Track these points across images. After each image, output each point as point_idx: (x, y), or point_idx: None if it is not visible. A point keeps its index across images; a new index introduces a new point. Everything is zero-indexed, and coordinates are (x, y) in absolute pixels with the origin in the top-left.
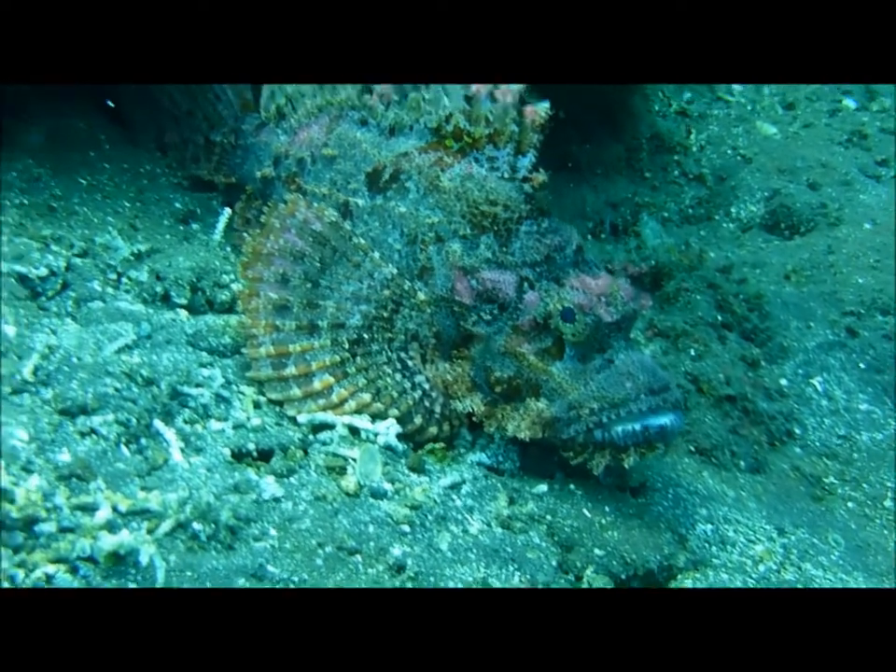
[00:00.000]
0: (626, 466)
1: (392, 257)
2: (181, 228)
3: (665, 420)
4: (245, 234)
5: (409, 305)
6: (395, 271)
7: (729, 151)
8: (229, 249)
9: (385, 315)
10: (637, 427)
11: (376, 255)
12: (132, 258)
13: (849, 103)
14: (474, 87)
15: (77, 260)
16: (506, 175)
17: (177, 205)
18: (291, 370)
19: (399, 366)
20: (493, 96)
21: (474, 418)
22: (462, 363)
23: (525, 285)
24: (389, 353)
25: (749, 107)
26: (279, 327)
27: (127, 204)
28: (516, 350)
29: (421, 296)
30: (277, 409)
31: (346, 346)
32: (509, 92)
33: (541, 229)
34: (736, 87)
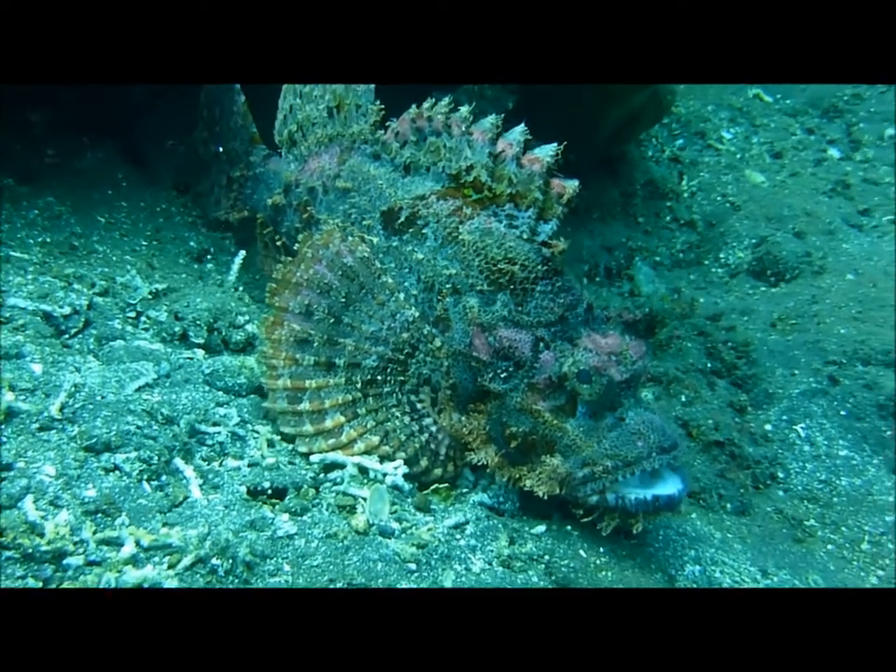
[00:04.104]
0: (634, 531)
1: (408, 300)
2: (196, 266)
3: (674, 490)
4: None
5: (425, 350)
6: (417, 314)
7: (719, 198)
8: (242, 289)
9: (401, 357)
10: (649, 496)
11: (401, 296)
12: (150, 296)
13: (834, 152)
14: (500, 145)
15: (99, 299)
16: (524, 237)
17: (192, 244)
18: (305, 405)
19: (408, 409)
20: (519, 161)
21: (488, 470)
22: (478, 416)
23: (541, 345)
24: (400, 395)
25: (738, 155)
26: (298, 360)
27: (144, 243)
28: (532, 407)
29: (437, 342)
30: (290, 447)
31: (359, 386)
32: (537, 161)
33: (555, 288)
34: (726, 135)
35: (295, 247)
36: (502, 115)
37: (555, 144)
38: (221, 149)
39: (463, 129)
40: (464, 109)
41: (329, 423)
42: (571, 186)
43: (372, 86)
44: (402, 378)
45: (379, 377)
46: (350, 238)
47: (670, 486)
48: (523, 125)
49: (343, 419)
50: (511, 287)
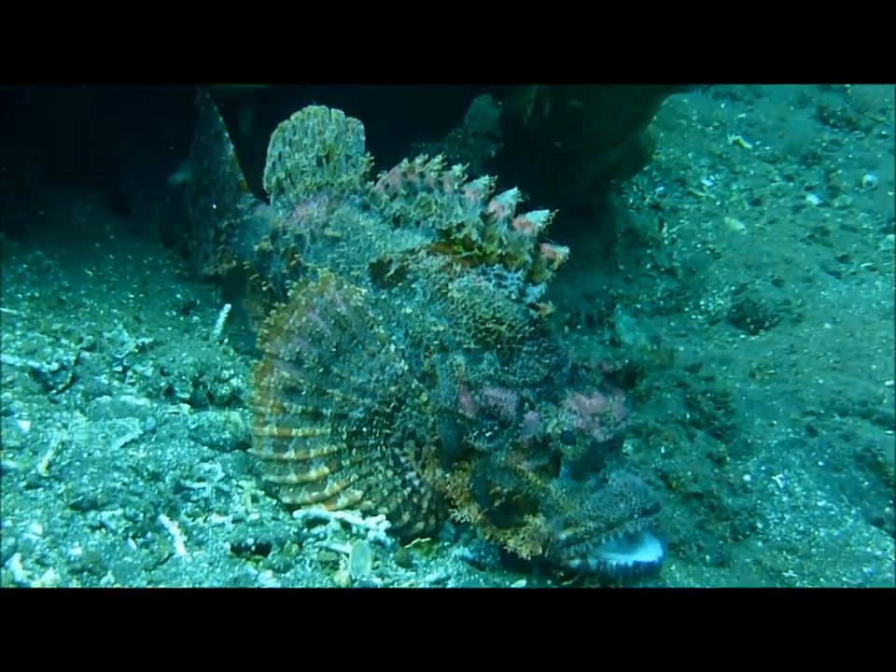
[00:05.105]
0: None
1: (397, 353)
2: (182, 319)
3: (654, 558)
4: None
5: (411, 405)
6: (406, 367)
7: (699, 245)
8: (227, 341)
9: (387, 411)
10: (630, 563)
11: (392, 348)
12: (136, 350)
13: (812, 199)
14: (492, 206)
15: (86, 354)
16: (513, 297)
17: (178, 296)
18: (291, 454)
19: (391, 462)
20: (510, 223)
21: (470, 526)
22: (462, 473)
23: (526, 405)
24: (384, 448)
25: (718, 202)
26: (286, 408)
27: (131, 296)
28: (516, 467)
29: (424, 397)
30: (274, 503)
31: (344, 437)
32: (528, 224)
33: (541, 349)
34: (706, 182)
35: (289, 293)
36: (496, 177)
37: (547, 210)
38: (215, 205)
39: (455, 187)
40: (457, 168)
41: (313, 473)
42: (562, 252)
43: (363, 137)
44: (388, 431)
45: (364, 429)
46: (345, 287)
47: (651, 553)
48: (516, 189)
49: (327, 470)
50: (499, 346)
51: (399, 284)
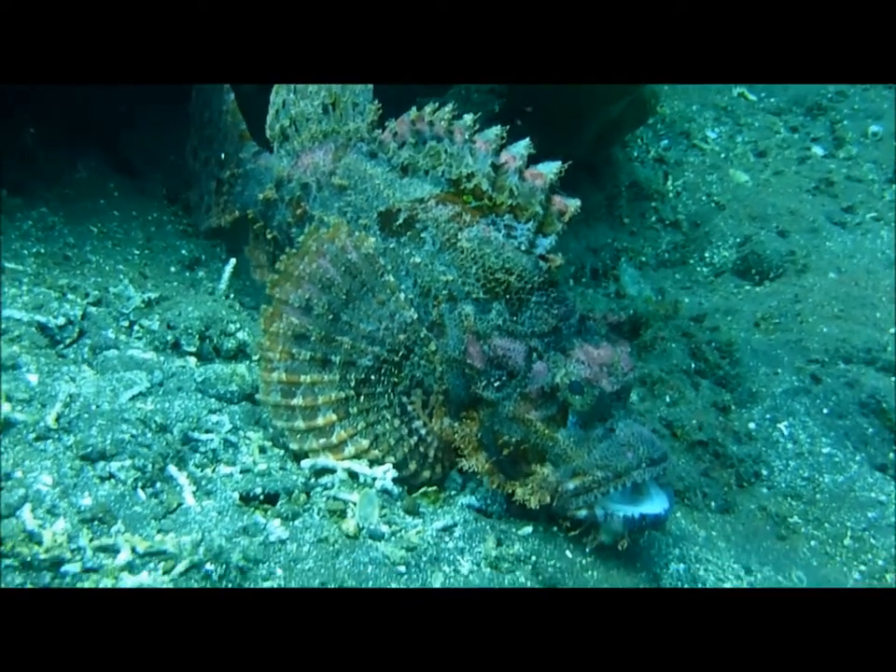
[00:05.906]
0: (619, 548)
1: (407, 302)
2: (187, 274)
3: (660, 510)
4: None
5: (420, 353)
6: (415, 316)
7: (703, 198)
8: (232, 296)
9: (396, 359)
10: (637, 514)
11: (402, 296)
12: (142, 305)
13: (817, 150)
14: (503, 157)
15: (92, 309)
16: (523, 248)
17: (183, 252)
18: (299, 400)
19: (398, 411)
20: (522, 174)
21: (478, 475)
22: (470, 423)
23: (534, 355)
24: (392, 396)
25: (722, 155)
26: (294, 355)
27: (136, 252)
28: (524, 416)
29: (432, 346)
30: (281, 453)
31: (352, 385)
32: (539, 176)
33: (550, 299)
34: (711, 134)
35: (298, 240)
36: (507, 126)
37: (559, 161)
38: (223, 155)
39: (466, 137)
40: (468, 117)
41: (320, 420)
42: (573, 204)
43: (371, 85)
44: (395, 379)
45: (373, 377)
46: (356, 234)
47: (657, 505)
48: (528, 140)
49: (334, 417)
50: (507, 296)
51: (409, 233)
